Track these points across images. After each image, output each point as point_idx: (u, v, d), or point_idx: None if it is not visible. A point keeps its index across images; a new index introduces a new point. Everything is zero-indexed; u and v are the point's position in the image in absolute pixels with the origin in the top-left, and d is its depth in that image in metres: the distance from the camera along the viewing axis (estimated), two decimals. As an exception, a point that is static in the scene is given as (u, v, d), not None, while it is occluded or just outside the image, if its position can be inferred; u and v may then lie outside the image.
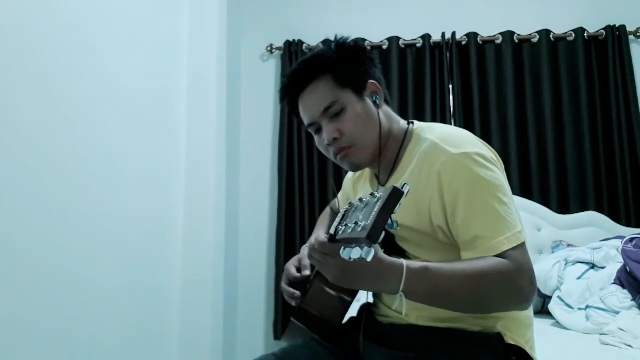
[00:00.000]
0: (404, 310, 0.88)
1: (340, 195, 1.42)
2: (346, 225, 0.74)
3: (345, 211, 0.81)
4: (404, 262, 0.83)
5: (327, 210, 1.49)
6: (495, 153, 1.02)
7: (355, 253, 0.67)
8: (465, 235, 0.91)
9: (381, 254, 0.81)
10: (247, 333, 2.84)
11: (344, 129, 1.03)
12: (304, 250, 1.27)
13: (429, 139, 1.00)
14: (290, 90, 1.10)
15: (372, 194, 0.72)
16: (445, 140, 0.97)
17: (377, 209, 0.66)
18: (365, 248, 0.66)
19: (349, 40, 1.08)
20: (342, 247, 0.69)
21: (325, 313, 1.04)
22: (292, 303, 1.13)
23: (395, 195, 0.67)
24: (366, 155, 1.05)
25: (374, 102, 1.06)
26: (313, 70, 1.06)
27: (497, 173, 0.94)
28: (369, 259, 0.66)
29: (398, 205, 0.67)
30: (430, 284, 0.84)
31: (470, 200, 0.91)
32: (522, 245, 0.89)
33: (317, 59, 1.07)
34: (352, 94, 1.04)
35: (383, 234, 0.65)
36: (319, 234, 0.85)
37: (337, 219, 0.81)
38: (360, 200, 0.76)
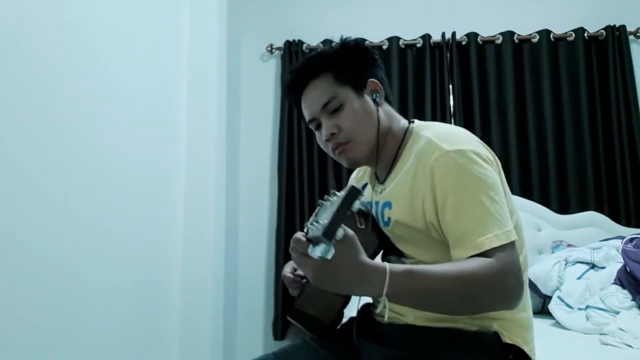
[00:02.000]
0: (386, 315, 0.87)
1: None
2: (312, 223, 0.74)
3: (317, 210, 0.81)
4: (386, 265, 0.80)
5: None
6: (493, 153, 1.01)
7: (317, 251, 0.68)
8: (454, 232, 0.91)
9: (362, 257, 0.78)
10: (247, 333, 2.84)
11: (342, 125, 1.04)
12: None
13: (425, 137, 1.00)
14: (294, 88, 1.12)
15: (334, 193, 0.74)
16: (440, 137, 0.97)
17: (334, 207, 0.68)
18: (324, 246, 0.68)
19: (352, 39, 1.10)
20: (310, 246, 0.71)
21: (321, 313, 1.04)
22: (295, 289, 1.14)
23: (353, 194, 0.68)
24: (363, 152, 1.06)
25: (374, 100, 1.07)
26: (315, 67, 1.08)
27: (489, 171, 0.94)
28: (329, 257, 0.68)
29: (358, 202, 0.69)
30: (415, 287, 0.82)
31: (460, 196, 0.91)
32: (511, 244, 0.88)
33: (320, 56, 1.09)
34: (351, 91, 1.06)
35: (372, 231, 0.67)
36: (298, 232, 0.83)
37: (311, 218, 0.80)
38: (328, 199, 0.77)
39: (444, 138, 0.97)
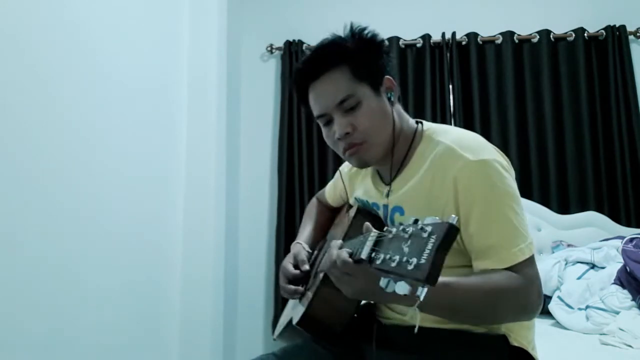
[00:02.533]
0: (417, 323, 0.83)
1: (331, 184, 1.38)
2: (385, 254, 0.67)
3: (379, 235, 0.73)
4: None
5: (314, 201, 1.45)
6: (508, 160, 1.00)
7: (401, 288, 0.62)
8: (479, 244, 0.91)
9: None
10: (247, 333, 2.84)
11: (358, 124, 0.99)
12: (295, 247, 1.26)
13: (443, 143, 0.97)
14: (304, 78, 1.05)
15: (415, 222, 0.65)
16: (462, 145, 0.95)
17: (431, 247, 0.60)
18: (420, 288, 0.61)
19: (366, 31, 1.03)
20: (384, 278, 0.65)
21: (332, 318, 1.03)
22: (294, 298, 1.13)
23: (453, 234, 0.61)
24: (377, 153, 1.02)
25: (389, 99, 1.03)
26: (330, 59, 1.01)
27: (511, 181, 0.94)
28: (422, 298, 0.61)
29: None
30: (448, 300, 0.83)
31: (486, 209, 0.90)
32: (533, 258, 0.90)
33: (335, 47, 1.02)
34: (368, 89, 1.00)
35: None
36: (341, 251, 0.79)
37: (369, 242, 0.73)
38: (403, 229, 0.67)
39: (465, 146, 0.94)
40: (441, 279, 0.81)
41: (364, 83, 1.00)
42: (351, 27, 1.03)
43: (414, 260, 0.60)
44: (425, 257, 0.59)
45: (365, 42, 1.02)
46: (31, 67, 1.29)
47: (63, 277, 1.40)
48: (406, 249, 0.63)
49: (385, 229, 0.73)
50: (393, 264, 0.63)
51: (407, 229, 0.66)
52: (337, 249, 0.81)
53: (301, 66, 1.06)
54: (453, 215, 0.62)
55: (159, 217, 2.02)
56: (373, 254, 0.70)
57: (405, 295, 0.62)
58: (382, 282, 0.65)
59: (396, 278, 0.63)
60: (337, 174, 1.34)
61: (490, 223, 0.90)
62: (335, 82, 1.00)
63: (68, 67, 1.44)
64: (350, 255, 0.78)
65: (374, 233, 0.73)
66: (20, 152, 1.24)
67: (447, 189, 0.93)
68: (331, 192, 1.38)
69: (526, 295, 0.87)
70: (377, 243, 0.72)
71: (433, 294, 0.76)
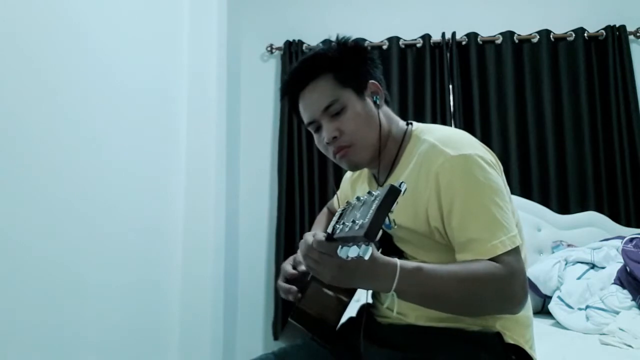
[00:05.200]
0: (395, 308, 0.89)
1: (338, 194, 1.42)
2: (343, 223, 0.73)
3: (342, 210, 0.81)
4: (397, 261, 0.83)
5: (324, 210, 1.49)
6: (494, 155, 1.02)
7: (352, 252, 0.67)
8: (460, 237, 0.92)
9: (376, 252, 0.81)
10: (246, 333, 2.84)
11: (344, 128, 1.03)
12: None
13: (428, 141, 1.00)
14: (291, 88, 1.10)
15: (369, 193, 0.72)
16: (444, 142, 0.97)
17: (374, 207, 0.66)
18: (363, 246, 0.66)
19: (350, 40, 1.08)
20: (340, 246, 0.69)
21: (323, 313, 1.04)
22: (289, 298, 1.13)
23: (393, 194, 0.67)
24: (365, 155, 1.05)
25: (374, 102, 1.07)
26: (314, 68, 1.06)
27: (494, 176, 0.94)
28: (367, 257, 0.66)
29: (395, 204, 0.67)
30: (423, 285, 0.85)
31: (467, 202, 0.91)
32: (517, 250, 0.90)
33: (319, 57, 1.07)
34: (352, 94, 1.04)
35: (380, 232, 0.66)
36: (316, 232, 0.84)
37: (335, 218, 0.80)
38: (358, 199, 0.76)
39: (447, 143, 0.96)
40: (415, 264, 0.86)
41: (348, 88, 1.04)
42: (336, 37, 1.08)
43: (360, 221, 0.67)
44: (368, 217, 0.65)
45: (348, 49, 1.07)
46: (31, 67, 1.29)
47: (63, 276, 1.40)
48: (357, 214, 0.70)
49: (347, 202, 0.80)
50: (346, 230, 0.70)
51: (362, 198, 0.73)
52: (311, 234, 0.85)
53: (288, 77, 1.11)
54: (402, 182, 0.69)
55: (159, 217, 2.02)
56: (335, 226, 0.76)
57: (357, 257, 0.66)
58: (340, 251, 0.69)
59: (349, 243, 0.69)
60: (342, 181, 1.39)
61: (471, 216, 0.91)
62: (320, 89, 1.05)
63: (68, 67, 1.44)
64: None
65: (340, 209, 0.80)
66: (20, 152, 1.24)
67: (430, 184, 0.95)
68: (338, 200, 1.41)
69: (507, 285, 0.87)
70: (340, 216, 0.78)
71: (406, 277, 0.83)
